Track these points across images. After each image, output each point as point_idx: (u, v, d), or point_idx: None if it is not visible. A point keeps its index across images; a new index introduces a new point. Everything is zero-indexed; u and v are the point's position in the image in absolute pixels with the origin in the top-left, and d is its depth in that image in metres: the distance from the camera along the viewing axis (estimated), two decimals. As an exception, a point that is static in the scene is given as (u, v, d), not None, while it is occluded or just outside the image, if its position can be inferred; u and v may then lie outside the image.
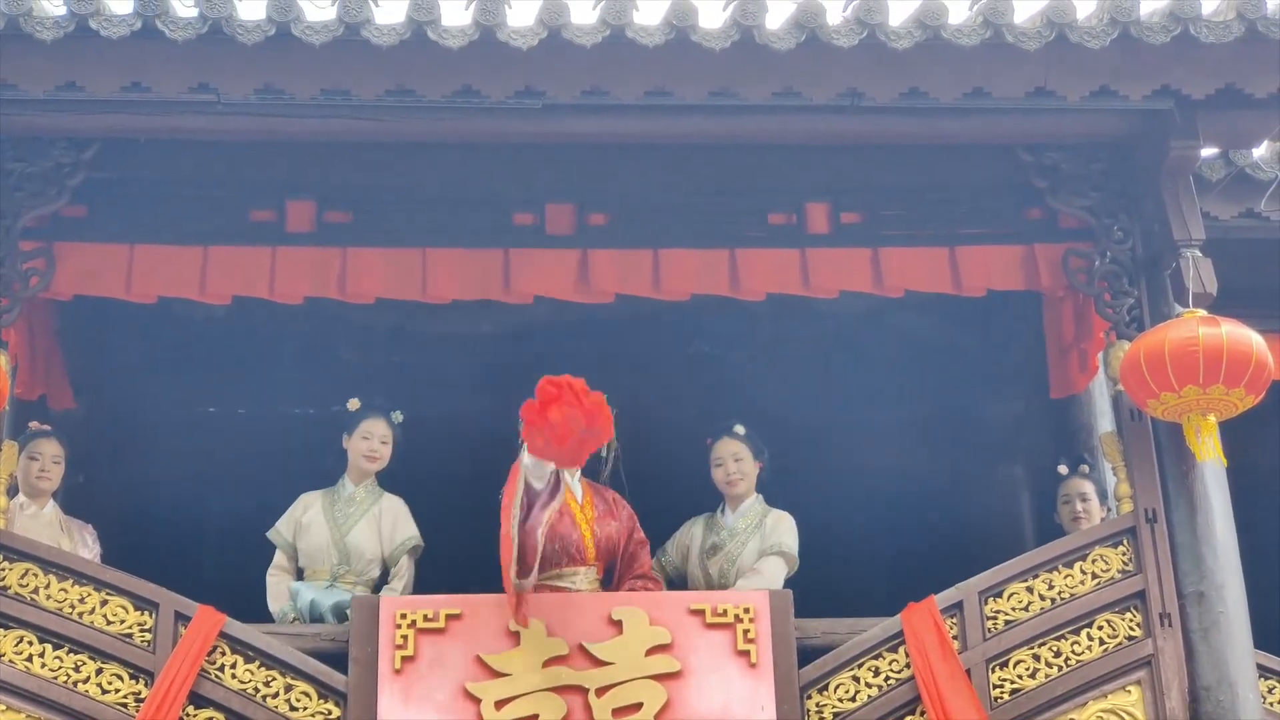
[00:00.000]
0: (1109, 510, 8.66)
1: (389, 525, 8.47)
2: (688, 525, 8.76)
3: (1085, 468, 9.01)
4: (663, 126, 8.06)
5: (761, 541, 8.54)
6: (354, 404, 8.64)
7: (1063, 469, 9.02)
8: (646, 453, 10.22)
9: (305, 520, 8.46)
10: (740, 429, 8.74)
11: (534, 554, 7.77)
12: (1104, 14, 7.70)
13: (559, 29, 7.53)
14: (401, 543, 8.44)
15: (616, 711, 7.62)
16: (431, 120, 7.93)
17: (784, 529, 8.55)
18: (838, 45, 7.61)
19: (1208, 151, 8.56)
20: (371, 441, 8.55)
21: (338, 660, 7.77)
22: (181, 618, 7.75)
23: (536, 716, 7.60)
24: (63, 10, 7.47)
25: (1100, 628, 7.93)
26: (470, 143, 8.21)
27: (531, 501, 7.85)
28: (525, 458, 7.86)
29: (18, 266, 8.12)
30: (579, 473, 8.43)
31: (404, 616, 7.73)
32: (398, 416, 8.67)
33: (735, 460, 8.68)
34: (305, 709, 7.66)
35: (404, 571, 8.39)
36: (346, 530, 8.39)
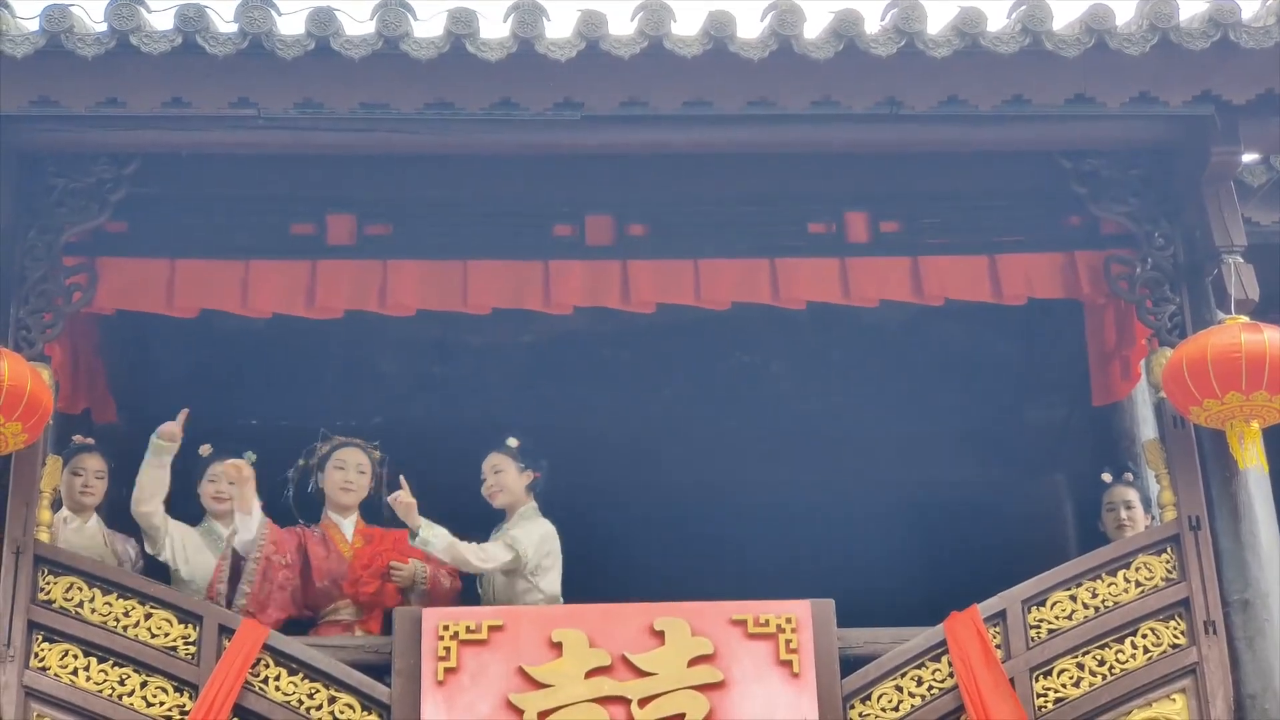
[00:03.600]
0: (1153, 518, 8.62)
1: None
2: None
3: (1129, 475, 8.97)
4: (701, 137, 8.05)
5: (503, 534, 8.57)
6: (205, 449, 8.77)
7: (1106, 477, 8.98)
8: (688, 462, 10.27)
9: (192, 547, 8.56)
10: (511, 441, 8.68)
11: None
12: (1143, 20, 7.67)
13: (597, 40, 7.54)
14: None
15: (659, 721, 7.64)
16: (470, 132, 7.94)
17: (522, 525, 8.50)
18: (876, 54, 7.60)
19: (1249, 157, 8.53)
20: (219, 483, 8.70)
21: (381, 672, 7.79)
22: (225, 630, 7.78)
23: (579, 727, 7.63)
24: (104, 27, 7.50)
25: (1144, 636, 7.90)
26: (509, 155, 8.20)
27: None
28: None
29: (60, 282, 8.17)
30: (354, 515, 8.64)
31: (446, 628, 7.74)
32: (250, 456, 8.64)
33: (495, 473, 8.65)
34: (349, 721, 7.70)
35: None
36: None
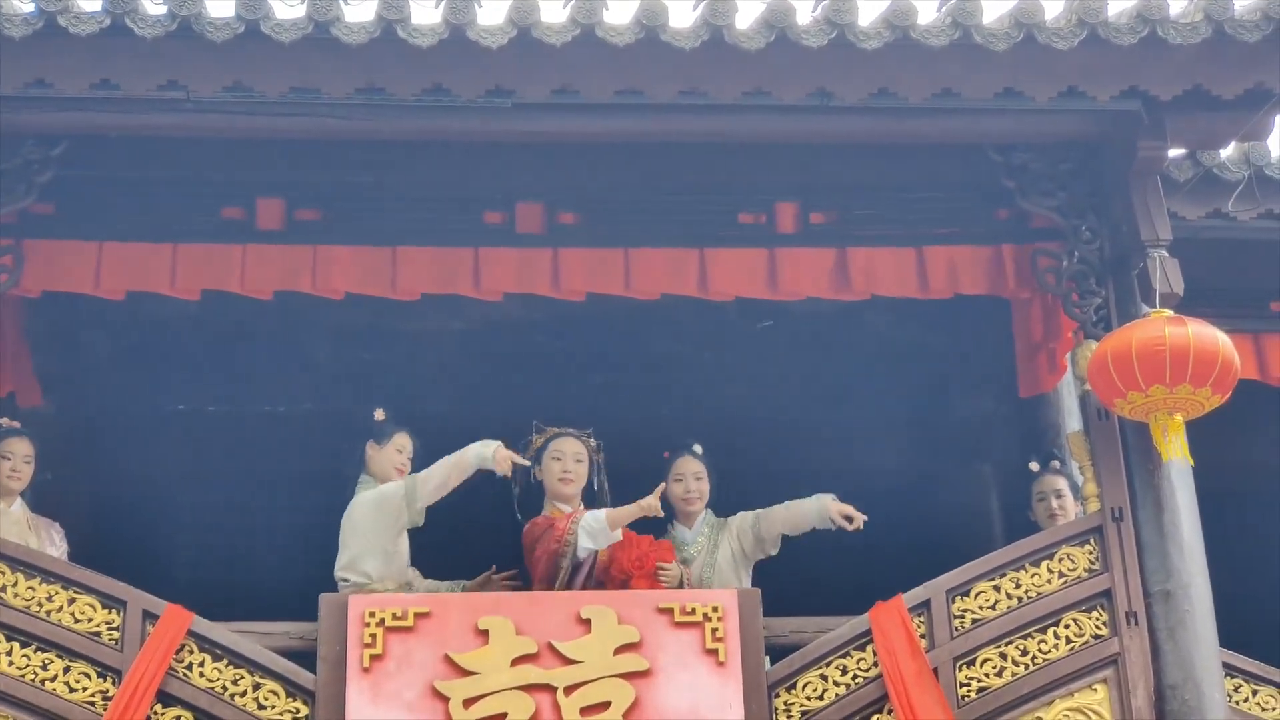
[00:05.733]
0: (1081, 506, 8.68)
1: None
2: None
3: (1056, 463, 9.03)
4: (633, 126, 8.06)
5: (738, 541, 8.61)
6: (380, 414, 8.55)
7: (1034, 466, 9.04)
8: (619, 452, 10.26)
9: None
10: (698, 448, 8.77)
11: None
12: (1072, 15, 7.73)
13: (529, 28, 7.53)
14: None
15: (585, 710, 7.63)
16: (401, 119, 7.92)
17: (748, 515, 8.67)
18: (807, 45, 7.63)
19: (1175, 152, 8.58)
20: (404, 454, 8.52)
21: (306, 659, 7.76)
22: (149, 616, 7.74)
23: (505, 715, 7.60)
24: (32, 7, 7.46)
25: (1067, 626, 7.96)
26: (440, 141, 8.20)
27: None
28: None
29: (-14, 263, 8.12)
30: (580, 505, 8.53)
31: (373, 615, 7.73)
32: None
33: (696, 479, 8.71)
34: (273, 707, 7.66)
35: None
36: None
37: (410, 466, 8.51)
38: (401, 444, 8.52)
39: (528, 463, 8.25)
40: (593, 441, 8.65)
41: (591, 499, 8.56)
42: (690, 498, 8.69)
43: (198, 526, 10.16)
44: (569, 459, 8.51)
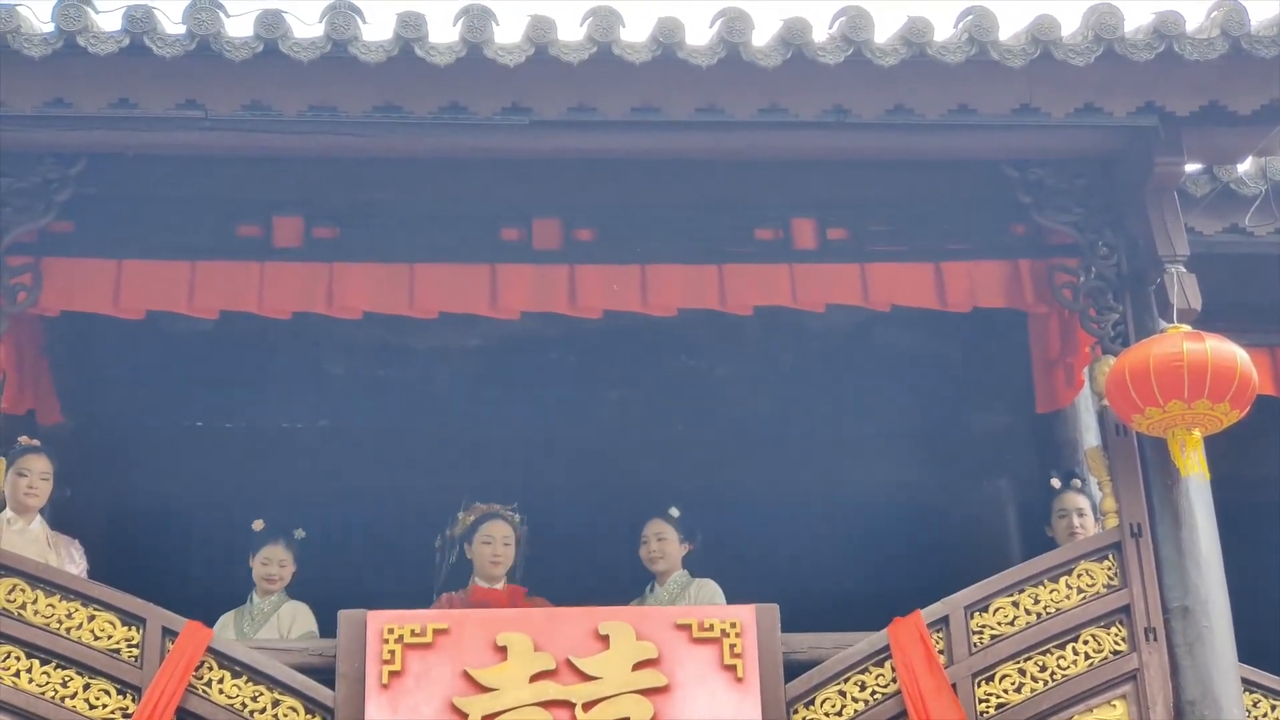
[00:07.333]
0: (1100, 522, 8.67)
1: (287, 623, 8.59)
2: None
3: (1078, 481, 9.01)
4: (650, 142, 8.07)
5: (689, 603, 8.64)
6: (258, 525, 8.76)
7: (1055, 483, 9.02)
8: (633, 467, 10.29)
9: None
10: (674, 511, 8.90)
11: None
12: (1088, 31, 7.73)
13: (546, 46, 7.55)
14: (299, 636, 8.50)
15: (603, 726, 7.65)
16: (419, 136, 7.93)
17: (708, 594, 8.69)
18: (824, 62, 7.64)
19: (1192, 167, 8.57)
20: (270, 566, 8.71)
21: (325, 675, 7.77)
22: (169, 633, 7.75)
23: (524, 731, 7.63)
24: (51, 27, 7.48)
25: (1085, 642, 7.95)
26: (457, 159, 8.21)
27: None
28: None
29: (5, 282, 8.12)
30: (503, 580, 8.76)
31: (391, 631, 7.74)
32: (299, 534, 8.81)
33: (658, 539, 8.85)
34: (292, 724, 7.69)
35: None
36: (252, 636, 8.51)
37: (283, 577, 8.72)
38: (268, 556, 8.75)
39: None
40: (517, 518, 8.87)
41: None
42: (653, 558, 8.85)
43: (216, 543, 10.16)
44: (498, 543, 8.76)
